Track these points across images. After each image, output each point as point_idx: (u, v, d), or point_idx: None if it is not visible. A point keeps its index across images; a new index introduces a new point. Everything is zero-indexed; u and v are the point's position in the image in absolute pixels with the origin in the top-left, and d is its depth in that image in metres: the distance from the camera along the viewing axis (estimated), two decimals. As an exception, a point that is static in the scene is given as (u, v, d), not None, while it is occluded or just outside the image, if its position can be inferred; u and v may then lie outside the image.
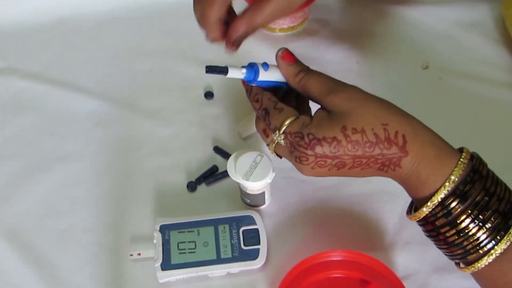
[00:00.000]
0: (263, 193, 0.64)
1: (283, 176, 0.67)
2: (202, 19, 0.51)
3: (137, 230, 0.65)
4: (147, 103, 0.77)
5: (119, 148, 0.72)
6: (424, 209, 0.49)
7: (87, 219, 0.66)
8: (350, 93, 0.49)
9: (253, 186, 0.62)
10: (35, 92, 0.78)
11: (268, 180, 0.62)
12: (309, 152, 0.48)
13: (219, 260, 0.61)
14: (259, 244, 0.62)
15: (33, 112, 0.76)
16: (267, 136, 0.51)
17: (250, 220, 0.63)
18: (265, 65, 0.51)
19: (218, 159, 0.71)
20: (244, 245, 0.62)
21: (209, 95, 0.77)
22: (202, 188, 0.69)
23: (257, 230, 0.62)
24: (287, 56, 0.52)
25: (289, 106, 0.51)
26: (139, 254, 0.61)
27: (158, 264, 0.60)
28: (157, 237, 0.61)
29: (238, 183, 0.63)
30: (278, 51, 0.52)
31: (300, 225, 0.65)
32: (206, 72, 0.47)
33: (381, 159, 0.48)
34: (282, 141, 0.50)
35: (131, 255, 0.61)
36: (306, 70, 0.52)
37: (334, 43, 0.81)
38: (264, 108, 0.51)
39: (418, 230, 0.60)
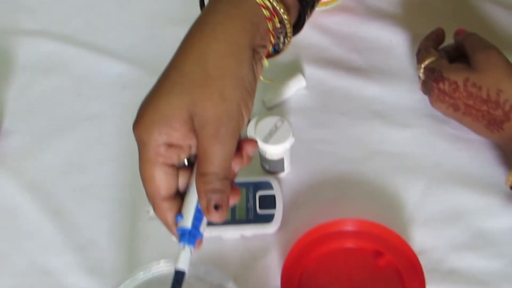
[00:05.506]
0: (282, 159, 0.64)
1: (306, 147, 0.68)
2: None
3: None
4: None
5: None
6: None
7: (108, 176, 0.68)
8: (490, 56, 0.61)
9: (272, 150, 0.62)
10: (65, 54, 0.80)
11: (287, 145, 0.62)
12: (434, 84, 0.63)
13: (233, 221, 0.61)
14: (274, 209, 0.62)
15: (62, 73, 0.78)
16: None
17: (268, 186, 0.63)
18: (179, 217, 0.47)
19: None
20: (260, 208, 0.62)
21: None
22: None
23: (273, 196, 0.62)
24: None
25: (435, 50, 0.66)
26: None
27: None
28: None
29: (258, 149, 0.63)
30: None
31: (318, 195, 0.65)
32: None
33: (487, 116, 0.60)
34: (421, 75, 0.66)
35: (148, 211, 0.62)
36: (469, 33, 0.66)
37: (368, 21, 0.81)
38: (419, 48, 0.67)
39: (440, 208, 0.62)
